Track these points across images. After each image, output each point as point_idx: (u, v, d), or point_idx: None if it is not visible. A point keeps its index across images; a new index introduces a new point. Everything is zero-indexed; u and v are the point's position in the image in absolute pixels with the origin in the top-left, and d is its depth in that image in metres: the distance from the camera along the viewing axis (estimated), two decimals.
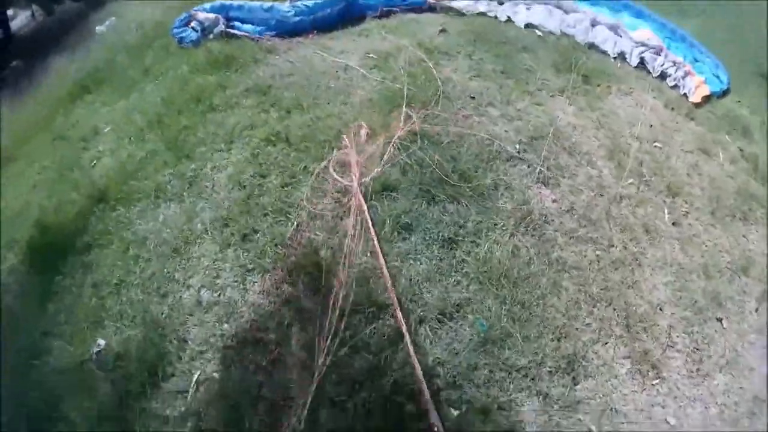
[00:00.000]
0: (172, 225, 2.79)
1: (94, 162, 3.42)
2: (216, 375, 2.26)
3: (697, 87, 4.16)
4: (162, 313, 2.47)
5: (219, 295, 2.49)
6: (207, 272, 2.57)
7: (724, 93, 4.32)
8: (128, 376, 2.30)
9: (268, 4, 4.30)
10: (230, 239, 2.65)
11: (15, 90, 5.91)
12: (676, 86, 4.23)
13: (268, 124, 3.20)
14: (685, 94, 4.17)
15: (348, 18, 4.48)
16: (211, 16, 4.16)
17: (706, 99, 4.16)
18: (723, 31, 4.95)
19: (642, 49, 4.34)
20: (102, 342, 2.41)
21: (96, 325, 2.52)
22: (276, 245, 2.59)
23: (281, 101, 3.38)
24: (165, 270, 2.62)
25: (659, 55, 4.33)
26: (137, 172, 3.12)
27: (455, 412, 2.13)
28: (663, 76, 4.29)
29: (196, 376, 2.27)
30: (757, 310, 2.79)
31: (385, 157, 2.85)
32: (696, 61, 4.41)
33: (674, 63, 4.29)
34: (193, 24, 4.17)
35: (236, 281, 2.52)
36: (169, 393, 2.25)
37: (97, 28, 6.11)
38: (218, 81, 3.62)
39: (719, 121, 3.98)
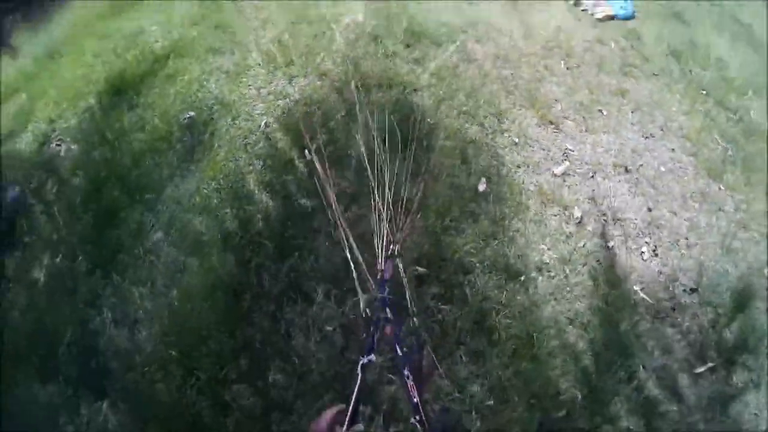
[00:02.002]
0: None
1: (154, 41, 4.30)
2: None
3: (602, 10, 5.33)
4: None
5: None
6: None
7: (628, 18, 5.41)
8: None
9: None
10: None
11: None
12: (585, 9, 5.39)
13: None
14: (592, 13, 5.34)
15: None
16: None
17: (610, 18, 5.31)
18: None
19: None
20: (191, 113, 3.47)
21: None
22: None
23: None
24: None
25: None
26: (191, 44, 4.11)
27: None
28: (577, 3, 5.46)
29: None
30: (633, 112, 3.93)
31: None
32: None
33: None
34: None
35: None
36: None
37: None
38: None
39: (617, 29, 5.14)
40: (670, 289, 2.97)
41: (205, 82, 3.69)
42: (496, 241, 2.90)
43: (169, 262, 2.75)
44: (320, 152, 2.99)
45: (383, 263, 2.16)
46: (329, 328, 2.50)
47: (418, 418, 1.30)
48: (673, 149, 3.73)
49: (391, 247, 2.31)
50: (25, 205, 3.07)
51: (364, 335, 1.33)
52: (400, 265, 2.62)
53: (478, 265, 2.80)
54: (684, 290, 2.98)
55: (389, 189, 2.61)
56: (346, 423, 1.12)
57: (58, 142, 3.55)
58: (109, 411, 2.34)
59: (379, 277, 2.10)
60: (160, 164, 3.18)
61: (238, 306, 2.58)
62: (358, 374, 1.33)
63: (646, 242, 3.15)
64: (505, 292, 2.73)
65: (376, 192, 2.59)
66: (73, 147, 3.45)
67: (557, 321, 2.72)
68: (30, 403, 2.36)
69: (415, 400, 1.37)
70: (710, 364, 2.76)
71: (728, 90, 4.46)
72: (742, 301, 2.96)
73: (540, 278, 2.85)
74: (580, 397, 2.54)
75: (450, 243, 2.84)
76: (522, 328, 2.63)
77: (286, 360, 2.44)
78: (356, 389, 1.22)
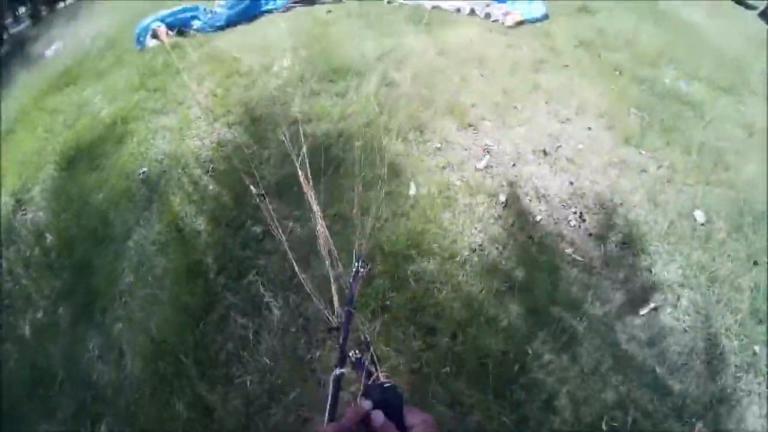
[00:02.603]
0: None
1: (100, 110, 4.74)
2: None
3: (512, 17, 5.97)
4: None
5: None
6: None
7: (539, 20, 6.01)
8: None
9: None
10: None
11: None
12: (496, 20, 6.03)
13: None
14: (503, 23, 5.94)
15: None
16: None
17: (520, 23, 5.88)
18: None
19: (473, 5, 6.21)
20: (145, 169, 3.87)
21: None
22: None
23: None
24: None
25: (487, 6, 6.20)
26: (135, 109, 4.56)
27: None
28: (488, 16, 6.11)
29: None
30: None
31: None
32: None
33: (498, 8, 6.14)
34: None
35: None
36: None
37: (46, 52, 7.05)
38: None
39: (527, 32, 5.71)
40: (601, 247, 3.30)
41: (152, 140, 4.09)
42: (430, 234, 3.27)
43: (142, 297, 3.11)
44: (261, 187, 3.43)
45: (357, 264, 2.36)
46: (292, 330, 2.89)
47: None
48: (589, 127, 4.15)
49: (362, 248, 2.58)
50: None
51: (337, 345, 1.26)
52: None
53: (416, 255, 3.16)
54: (615, 246, 3.31)
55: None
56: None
57: (24, 212, 3.89)
58: None
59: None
60: (124, 216, 3.56)
61: (211, 320, 2.94)
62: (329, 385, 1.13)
63: (573, 212, 3.49)
64: (444, 273, 3.08)
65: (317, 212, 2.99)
66: (39, 214, 3.81)
67: (498, 289, 3.04)
68: None
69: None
70: (653, 305, 3.03)
71: (641, 64, 5.03)
72: (675, 244, 3.32)
73: (474, 258, 3.19)
74: (530, 352, 2.83)
75: (388, 240, 3.21)
76: (463, 301, 2.96)
77: (257, 362, 2.81)
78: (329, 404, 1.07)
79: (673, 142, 4.11)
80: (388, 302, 2.97)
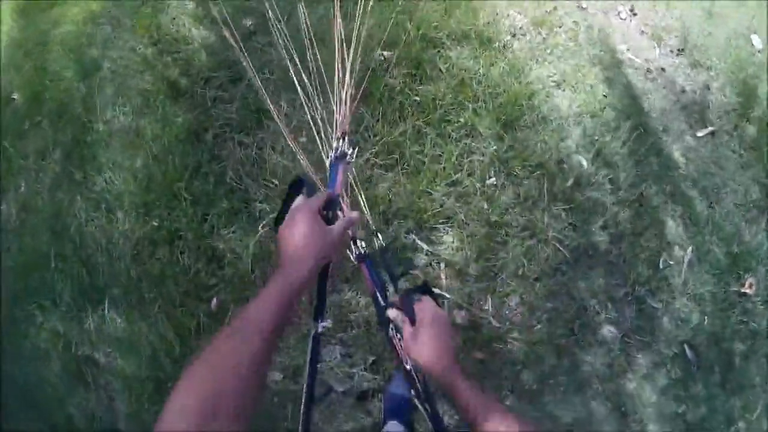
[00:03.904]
0: None
1: None
2: None
3: None
4: None
5: None
6: None
7: None
8: None
9: None
10: None
11: None
12: None
13: None
14: None
15: None
16: None
17: None
18: None
19: None
20: None
21: None
22: None
23: None
24: None
25: None
26: None
27: None
28: None
29: None
30: None
31: None
32: None
33: None
34: None
35: None
36: None
37: None
38: None
39: None
40: (656, 49, 2.85)
41: None
42: (460, 10, 2.70)
43: (124, 132, 2.60)
44: None
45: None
46: (303, 140, 2.28)
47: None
48: None
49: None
50: None
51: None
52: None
53: (445, 38, 2.61)
54: (671, 50, 2.86)
55: None
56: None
57: None
58: (114, 313, 2.30)
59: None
60: (92, 45, 2.93)
61: (204, 145, 2.46)
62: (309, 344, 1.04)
63: (622, 3, 2.95)
64: (481, 61, 2.56)
65: None
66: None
67: (544, 84, 2.58)
68: (35, 336, 2.34)
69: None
70: (711, 128, 2.68)
71: None
72: (733, 63, 2.87)
73: (516, 43, 2.68)
74: (585, 163, 2.44)
75: (410, 20, 2.63)
76: (508, 97, 2.48)
77: (266, 179, 2.36)
78: (308, 361, 1.00)
79: None
80: (416, 96, 2.48)
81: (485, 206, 2.29)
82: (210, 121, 2.50)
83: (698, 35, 2.94)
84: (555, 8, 2.84)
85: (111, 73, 2.79)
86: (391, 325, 1.05)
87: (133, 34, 2.87)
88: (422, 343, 0.93)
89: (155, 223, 2.36)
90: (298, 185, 0.97)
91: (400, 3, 2.62)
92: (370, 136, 2.39)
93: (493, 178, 2.36)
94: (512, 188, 2.35)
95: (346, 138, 1.16)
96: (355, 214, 1.00)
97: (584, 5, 2.92)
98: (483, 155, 2.39)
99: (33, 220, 2.58)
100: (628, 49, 2.82)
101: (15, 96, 2.97)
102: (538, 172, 2.38)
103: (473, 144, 2.41)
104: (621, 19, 2.93)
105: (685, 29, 2.94)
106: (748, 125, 2.74)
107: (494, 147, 2.39)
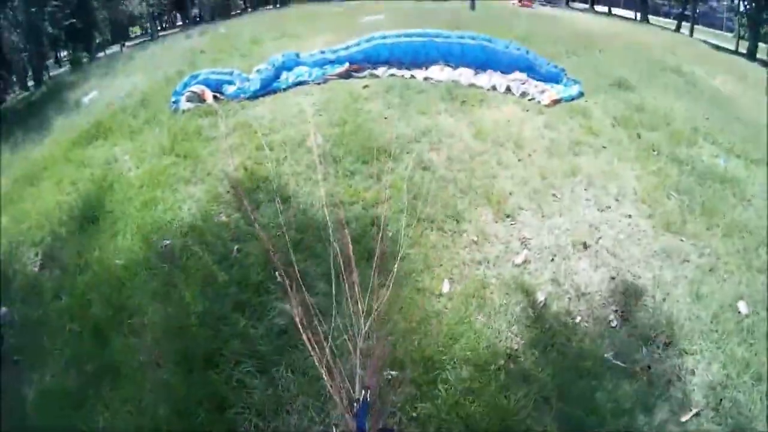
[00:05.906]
0: None
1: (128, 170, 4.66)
2: None
3: (548, 95, 5.87)
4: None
5: None
6: None
7: (574, 99, 5.92)
8: None
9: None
10: None
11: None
12: (532, 98, 5.93)
13: None
14: (539, 101, 5.83)
15: None
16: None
17: (556, 102, 5.79)
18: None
19: (510, 83, 6.20)
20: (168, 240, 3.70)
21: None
22: None
23: None
24: None
25: (523, 84, 6.18)
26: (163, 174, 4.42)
27: None
28: (524, 94, 6.02)
29: None
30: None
31: None
32: (552, 82, 6.24)
33: (534, 86, 6.09)
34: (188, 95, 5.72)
35: None
36: None
37: (83, 99, 7.28)
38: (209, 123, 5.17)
39: (564, 110, 5.60)
40: (643, 350, 3.12)
41: (179, 210, 3.96)
42: (464, 338, 3.06)
43: (153, 380, 2.91)
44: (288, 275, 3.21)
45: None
46: None
47: None
48: (629, 215, 4.01)
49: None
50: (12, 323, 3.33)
51: None
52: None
53: (448, 361, 2.94)
54: (658, 347, 3.13)
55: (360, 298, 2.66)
56: None
57: (42, 267, 3.78)
58: None
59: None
60: (141, 289, 3.38)
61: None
62: None
63: (614, 310, 3.32)
64: (477, 383, 2.86)
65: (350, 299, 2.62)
66: (56, 272, 3.70)
67: (535, 401, 2.83)
68: None
69: None
70: (695, 410, 2.85)
71: (678, 142, 4.93)
72: (719, 341, 3.13)
73: (511, 365, 2.98)
74: None
75: (419, 342, 3.00)
76: (496, 415, 2.74)
77: None
78: None
79: (714, 226, 3.99)
80: (415, 413, 2.74)
81: None
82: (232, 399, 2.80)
83: (685, 323, 3.24)
84: (549, 326, 3.21)
85: (151, 324, 3.21)
86: None
87: (179, 299, 3.34)
88: None
89: None
90: None
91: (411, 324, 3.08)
92: None
93: None
94: None
95: None
96: None
97: (578, 319, 3.29)
98: None
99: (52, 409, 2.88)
100: (614, 356, 3.08)
101: (63, 297, 3.50)
102: None
103: None
104: (611, 327, 3.26)
105: (672, 323, 3.23)
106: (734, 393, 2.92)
107: None
